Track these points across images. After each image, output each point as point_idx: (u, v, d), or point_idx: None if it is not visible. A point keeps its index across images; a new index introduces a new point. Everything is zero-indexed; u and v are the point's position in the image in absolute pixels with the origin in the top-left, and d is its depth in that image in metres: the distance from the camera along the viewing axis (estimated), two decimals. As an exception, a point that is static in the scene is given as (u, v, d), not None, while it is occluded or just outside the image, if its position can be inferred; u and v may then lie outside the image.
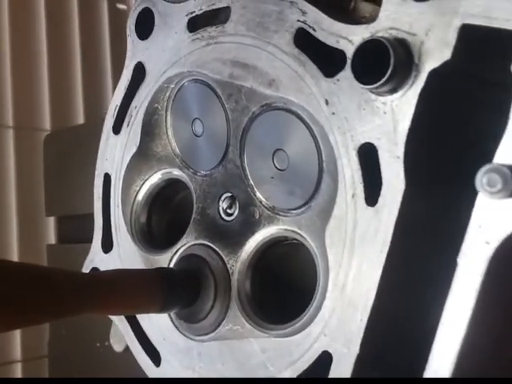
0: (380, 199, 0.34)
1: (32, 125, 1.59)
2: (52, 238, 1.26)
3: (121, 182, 0.52)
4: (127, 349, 0.53)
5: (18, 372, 1.45)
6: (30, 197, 1.39)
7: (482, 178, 0.23)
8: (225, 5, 0.43)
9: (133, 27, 0.50)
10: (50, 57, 1.66)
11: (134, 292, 0.40)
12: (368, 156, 0.34)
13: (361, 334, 0.34)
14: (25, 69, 1.61)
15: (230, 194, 0.45)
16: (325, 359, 0.36)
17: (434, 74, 0.31)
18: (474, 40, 0.30)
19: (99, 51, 1.78)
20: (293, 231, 0.41)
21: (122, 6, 1.70)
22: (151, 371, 0.49)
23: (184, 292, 0.44)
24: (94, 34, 1.81)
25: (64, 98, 1.69)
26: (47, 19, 1.67)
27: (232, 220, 0.45)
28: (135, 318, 0.50)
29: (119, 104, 0.52)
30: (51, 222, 1.20)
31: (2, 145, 1.52)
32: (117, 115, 0.52)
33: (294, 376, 0.38)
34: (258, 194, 0.43)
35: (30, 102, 1.62)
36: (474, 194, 0.30)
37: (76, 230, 1.04)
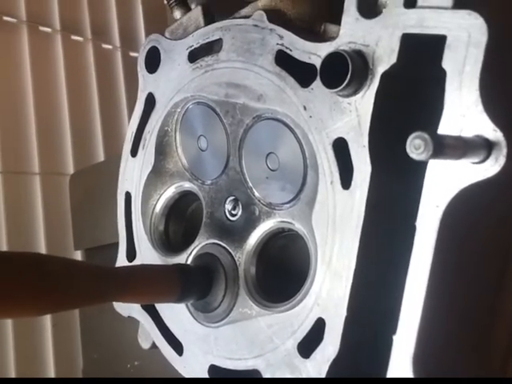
0: (353, 182, 0.41)
1: (57, 170, 1.69)
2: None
3: (140, 197, 0.59)
4: (153, 346, 0.59)
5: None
6: (58, 235, 1.47)
7: (410, 144, 0.29)
8: (217, 37, 0.51)
9: (143, 64, 0.59)
10: (71, 106, 1.77)
11: (152, 282, 0.46)
12: (341, 148, 0.41)
13: (346, 299, 0.41)
14: (48, 119, 1.72)
15: (233, 197, 0.52)
16: (320, 325, 0.43)
17: (385, 75, 0.39)
18: (413, 45, 0.37)
19: (115, 95, 1.90)
20: (287, 222, 0.48)
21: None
22: (175, 360, 0.55)
23: (198, 283, 0.50)
24: (110, 82, 1.93)
25: (85, 145, 1.79)
26: (66, 73, 1.79)
27: (236, 219, 0.52)
28: (159, 315, 0.57)
29: (135, 130, 0.60)
30: (79, 255, 1.28)
31: (31, 190, 1.61)
32: (133, 140, 0.60)
33: (296, 343, 0.44)
34: (257, 194, 0.50)
35: (54, 150, 1.72)
36: (425, 166, 0.37)
37: (103, 259, 1.11)
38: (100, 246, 1.13)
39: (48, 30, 1.80)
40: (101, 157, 1.79)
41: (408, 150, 0.29)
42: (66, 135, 1.75)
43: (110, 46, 1.99)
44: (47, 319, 1.52)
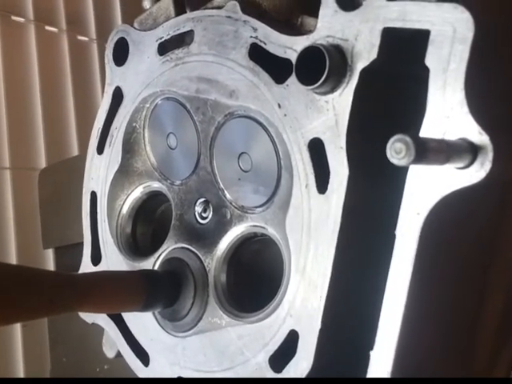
0: (329, 186, 0.38)
1: (28, 165, 1.64)
2: (51, 268, 1.30)
3: (106, 198, 0.56)
4: (118, 354, 0.56)
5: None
6: (28, 233, 1.43)
7: (390, 148, 0.27)
8: (188, 29, 0.48)
9: (110, 56, 0.55)
10: (44, 99, 1.72)
11: (115, 291, 0.43)
12: (317, 149, 0.39)
13: (321, 310, 0.38)
14: (20, 112, 1.67)
15: (203, 199, 0.49)
16: (293, 338, 0.40)
17: (364, 72, 0.36)
18: (395, 40, 0.35)
19: (90, 89, 1.85)
20: (260, 227, 0.45)
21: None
22: (141, 371, 0.52)
23: (165, 291, 0.47)
24: (85, 76, 1.88)
25: (59, 139, 1.74)
26: (39, 64, 1.73)
27: (207, 222, 0.49)
28: (124, 323, 0.54)
29: (101, 126, 0.56)
30: (50, 253, 1.24)
31: (1, 185, 1.56)
32: (100, 137, 0.56)
33: (267, 357, 0.41)
34: (228, 196, 0.47)
35: (26, 144, 1.67)
36: (406, 171, 0.34)
37: (73, 259, 1.07)
38: (69, 244, 1.09)
39: (21, 19, 1.74)
40: (75, 151, 1.75)
41: (388, 154, 0.27)
42: (38, 129, 1.70)
43: (85, 38, 1.94)
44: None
